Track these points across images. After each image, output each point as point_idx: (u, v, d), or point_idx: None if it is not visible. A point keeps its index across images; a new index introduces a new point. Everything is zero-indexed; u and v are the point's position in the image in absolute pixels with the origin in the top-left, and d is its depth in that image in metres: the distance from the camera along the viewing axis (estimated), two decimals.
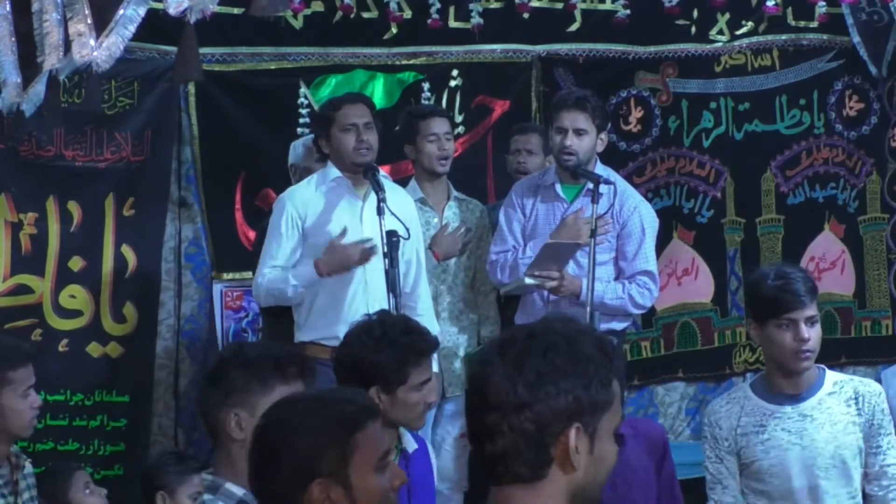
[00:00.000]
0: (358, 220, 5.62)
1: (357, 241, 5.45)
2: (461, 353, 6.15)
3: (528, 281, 5.66)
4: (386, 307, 5.12)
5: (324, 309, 5.58)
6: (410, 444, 3.99)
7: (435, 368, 4.98)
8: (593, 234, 5.55)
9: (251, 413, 2.98)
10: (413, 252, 5.65)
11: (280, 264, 5.54)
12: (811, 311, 4.09)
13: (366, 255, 5.43)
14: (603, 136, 5.76)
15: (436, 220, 6.14)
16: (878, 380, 6.64)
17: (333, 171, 5.63)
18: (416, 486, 3.93)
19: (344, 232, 5.47)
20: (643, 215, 5.76)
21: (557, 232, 5.71)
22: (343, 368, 3.86)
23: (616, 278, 5.76)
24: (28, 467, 4.26)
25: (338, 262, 5.43)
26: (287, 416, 2.51)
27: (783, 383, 4.20)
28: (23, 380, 4.08)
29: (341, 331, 5.45)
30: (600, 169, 5.79)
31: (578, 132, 5.66)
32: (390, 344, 3.78)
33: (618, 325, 5.74)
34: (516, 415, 2.12)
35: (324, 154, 5.66)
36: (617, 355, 2.20)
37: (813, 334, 4.09)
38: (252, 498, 2.88)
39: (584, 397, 2.13)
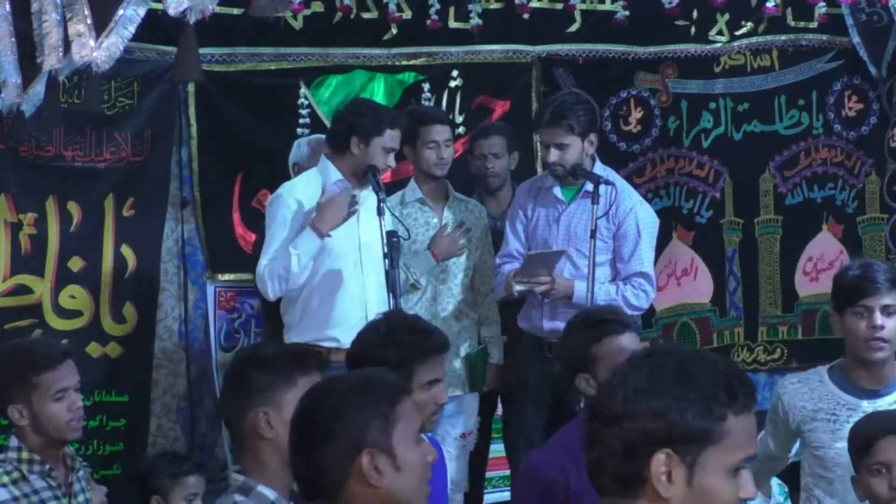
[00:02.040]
0: (355, 221, 5.65)
1: (339, 195, 5.50)
2: (461, 353, 6.15)
3: (518, 287, 5.69)
4: (384, 309, 5.12)
5: (315, 310, 5.60)
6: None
7: None
8: (593, 234, 5.58)
9: (279, 410, 3.05)
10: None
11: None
12: (888, 300, 4.12)
13: (352, 202, 5.52)
14: (592, 137, 5.75)
15: (435, 220, 6.16)
16: None
17: (335, 172, 5.65)
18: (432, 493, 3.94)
19: (324, 191, 5.52)
20: (639, 217, 5.77)
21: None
22: (352, 367, 3.86)
23: (612, 280, 5.77)
24: (82, 470, 4.25)
25: (334, 214, 5.46)
26: (330, 393, 2.61)
27: (861, 376, 4.19)
28: (51, 383, 4.00)
29: (332, 333, 5.53)
30: (599, 169, 5.80)
31: (560, 146, 5.69)
32: (396, 342, 3.77)
33: None
34: (608, 427, 2.10)
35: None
36: (749, 392, 2.11)
37: (890, 324, 4.11)
38: (281, 499, 2.98)
39: (678, 423, 2.07)
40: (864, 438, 3.78)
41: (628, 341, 4.12)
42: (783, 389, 4.31)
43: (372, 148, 5.61)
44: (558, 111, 5.74)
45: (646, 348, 2.23)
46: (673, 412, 2.06)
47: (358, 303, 5.56)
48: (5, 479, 3.99)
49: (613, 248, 5.77)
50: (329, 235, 5.51)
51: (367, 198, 5.69)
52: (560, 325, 5.67)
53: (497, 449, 6.61)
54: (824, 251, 7.62)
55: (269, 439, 3.05)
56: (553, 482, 4.02)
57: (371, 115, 5.67)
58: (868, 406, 4.15)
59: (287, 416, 2.96)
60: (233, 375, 3.21)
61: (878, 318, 4.09)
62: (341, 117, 5.74)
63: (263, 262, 5.57)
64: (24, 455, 4.03)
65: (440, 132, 6.12)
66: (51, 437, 4.04)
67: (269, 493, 3.03)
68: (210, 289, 6.77)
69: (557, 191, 5.84)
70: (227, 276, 6.79)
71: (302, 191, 5.65)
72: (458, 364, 6.14)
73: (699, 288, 7.46)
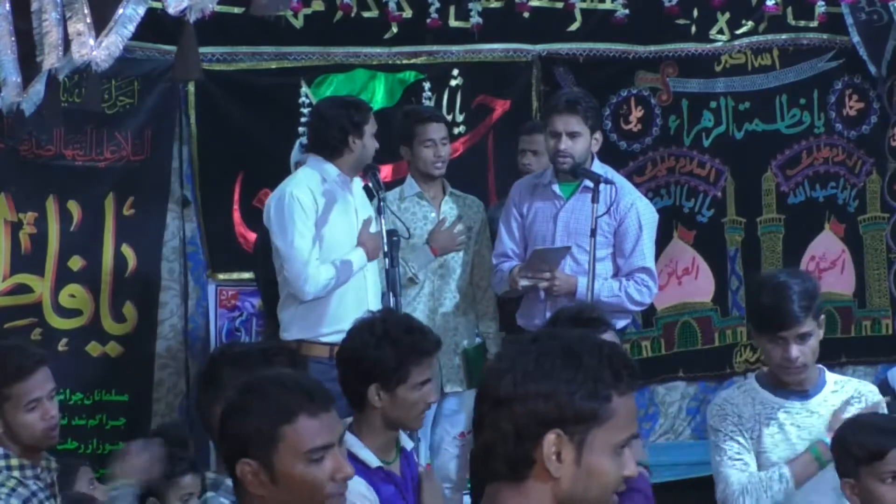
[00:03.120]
0: (353, 215, 5.69)
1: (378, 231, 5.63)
2: (460, 349, 6.15)
3: (523, 282, 5.69)
4: (380, 308, 5.14)
5: (309, 308, 5.60)
6: (408, 443, 4.00)
7: None
8: (593, 233, 5.57)
9: None
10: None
11: (317, 257, 5.57)
12: (805, 327, 4.04)
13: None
14: (598, 135, 5.76)
15: (433, 214, 6.15)
16: (883, 379, 6.66)
17: (333, 169, 5.66)
18: (415, 482, 3.95)
19: (370, 219, 5.63)
20: (640, 212, 5.76)
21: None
22: (343, 365, 3.86)
23: (614, 275, 5.77)
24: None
25: (376, 247, 5.57)
26: (237, 395, 2.69)
27: (784, 382, 4.19)
28: (21, 395, 3.94)
29: (325, 330, 5.54)
30: (598, 167, 5.80)
31: (572, 135, 5.68)
32: (392, 342, 3.78)
33: (617, 323, 5.73)
34: (497, 410, 2.12)
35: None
36: (633, 373, 2.14)
37: (806, 350, 4.06)
38: None
39: (567, 404, 2.09)
40: (874, 446, 3.75)
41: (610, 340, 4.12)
42: (733, 402, 4.23)
43: (366, 138, 5.66)
44: (574, 100, 5.76)
45: (530, 333, 2.24)
46: (562, 393, 2.09)
47: (356, 300, 5.56)
48: (10, 484, 3.96)
49: (614, 243, 5.76)
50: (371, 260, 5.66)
51: (360, 191, 5.72)
52: None
53: None
54: (826, 250, 7.62)
55: None
56: None
57: (353, 109, 5.72)
58: (801, 407, 4.16)
59: None
60: (206, 372, 3.23)
61: (794, 350, 4.04)
62: (326, 122, 5.71)
63: (310, 261, 5.52)
64: (14, 462, 3.98)
65: (437, 130, 6.12)
66: (26, 445, 3.99)
67: None
68: (211, 287, 6.78)
69: (556, 187, 5.84)
70: (227, 275, 6.79)
71: (308, 187, 5.66)
72: (456, 360, 6.14)
73: (700, 287, 7.45)
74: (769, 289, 4.07)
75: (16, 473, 3.98)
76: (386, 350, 3.77)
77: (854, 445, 3.83)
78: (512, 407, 2.10)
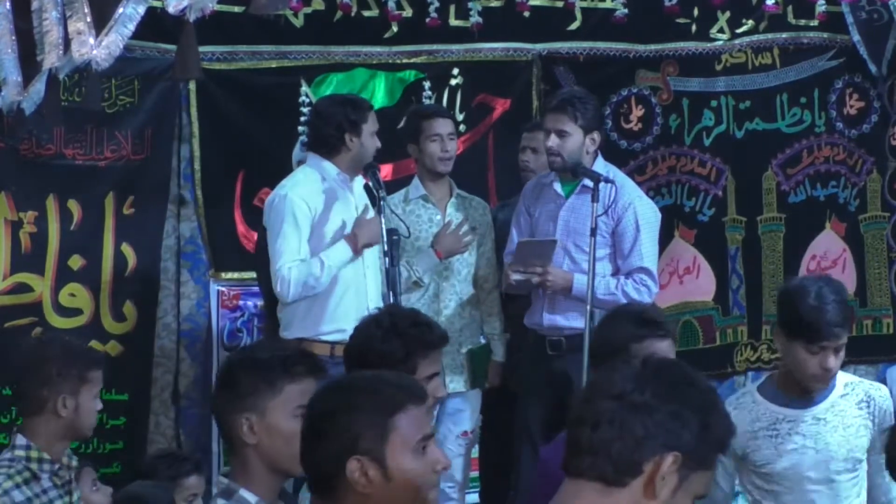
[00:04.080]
0: (354, 214, 5.69)
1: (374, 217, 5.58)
2: (464, 349, 6.15)
3: (515, 277, 5.69)
4: (380, 307, 5.13)
5: (309, 307, 5.61)
6: None
7: None
8: (593, 232, 5.57)
9: (262, 416, 3.02)
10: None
11: (302, 258, 5.57)
12: (843, 340, 4.05)
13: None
14: (595, 135, 5.75)
15: (438, 216, 6.16)
16: (882, 379, 6.66)
17: (333, 168, 5.66)
18: None
19: (366, 209, 5.59)
20: (638, 212, 5.75)
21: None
22: (351, 359, 3.85)
23: (613, 275, 5.77)
24: (83, 469, 4.34)
25: (371, 232, 5.53)
26: (334, 394, 2.63)
27: (795, 389, 4.17)
28: (97, 381, 4.19)
29: (325, 328, 5.54)
30: (600, 166, 5.79)
31: (560, 133, 5.70)
32: (399, 335, 3.77)
33: None
34: (633, 412, 2.14)
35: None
36: (732, 436, 2.22)
37: (840, 359, 4.08)
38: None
39: (697, 442, 2.14)
40: None
41: (667, 348, 4.13)
42: None
43: (364, 136, 5.66)
44: (566, 99, 5.81)
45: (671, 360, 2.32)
46: (698, 429, 2.16)
47: (357, 299, 5.56)
48: (18, 479, 4.03)
49: (612, 243, 5.76)
50: (361, 252, 5.58)
51: (361, 190, 5.71)
52: (559, 319, 5.72)
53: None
54: (827, 249, 7.61)
55: (252, 445, 3.03)
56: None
57: (350, 107, 5.73)
58: (806, 415, 4.16)
59: (271, 423, 2.99)
60: (223, 376, 3.19)
61: (832, 361, 4.05)
62: (323, 121, 5.73)
63: (286, 263, 5.55)
64: (34, 454, 4.08)
65: (443, 125, 6.13)
66: (78, 432, 4.18)
67: (251, 498, 3.00)
68: (213, 287, 6.77)
69: (557, 186, 5.86)
70: (229, 275, 6.79)
71: (305, 188, 5.66)
72: (461, 360, 6.13)
73: (702, 286, 7.45)
74: (814, 297, 4.02)
75: (33, 466, 4.07)
76: (393, 343, 3.76)
77: None
78: (653, 415, 2.13)
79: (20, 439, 4.11)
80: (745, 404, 4.24)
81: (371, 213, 5.60)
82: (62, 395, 4.09)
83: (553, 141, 5.71)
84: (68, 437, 4.18)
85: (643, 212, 5.78)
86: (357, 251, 5.57)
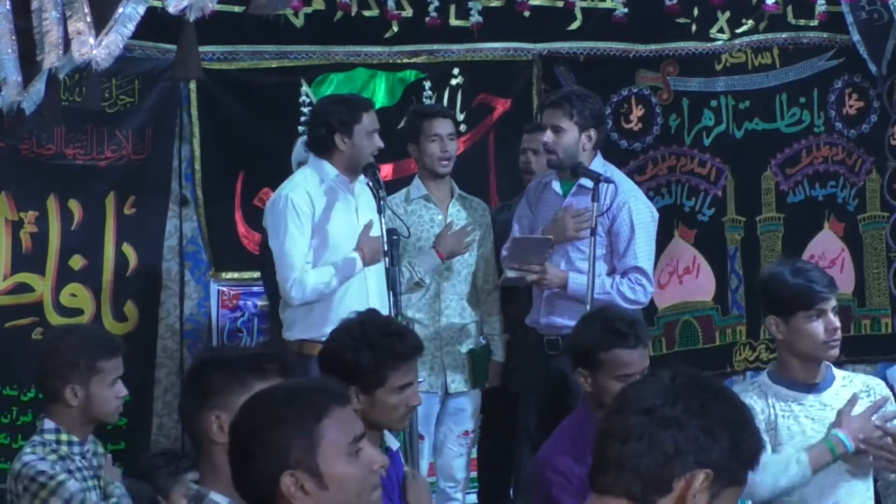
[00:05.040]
0: (354, 216, 5.69)
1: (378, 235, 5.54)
2: (463, 349, 6.15)
3: (510, 274, 5.73)
4: (385, 306, 5.13)
5: (311, 307, 5.60)
6: (393, 443, 3.98)
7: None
8: (593, 231, 5.58)
9: (231, 414, 2.89)
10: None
11: (309, 259, 5.58)
12: (834, 301, 4.19)
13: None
14: (591, 133, 5.74)
15: (440, 217, 6.15)
16: (882, 378, 6.67)
17: (332, 169, 5.66)
18: (396, 484, 3.94)
19: (370, 224, 5.56)
20: (633, 211, 5.74)
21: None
22: (325, 366, 3.85)
23: (609, 274, 5.77)
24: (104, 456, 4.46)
25: (377, 252, 5.50)
26: (255, 410, 2.53)
27: (802, 374, 4.24)
28: (111, 370, 4.27)
29: (328, 330, 5.50)
30: (599, 165, 5.78)
31: (555, 129, 5.71)
32: (369, 345, 3.76)
33: None
34: (663, 427, 2.08)
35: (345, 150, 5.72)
36: (762, 452, 2.19)
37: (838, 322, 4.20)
38: None
39: (728, 459, 2.10)
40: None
41: (637, 357, 4.15)
42: (749, 397, 4.21)
43: (356, 137, 5.64)
44: (563, 95, 5.86)
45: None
46: (730, 448, 2.11)
47: (359, 300, 5.56)
48: (52, 456, 4.19)
49: (608, 243, 5.76)
50: (367, 265, 5.63)
51: (364, 192, 5.70)
52: (557, 319, 5.72)
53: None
54: (826, 249, 7.61)
55: (222, 444, 2.92)
56: (569, 472, 4.04)
57: (343, 107, 5.71)
58: (814, 400, 4.23)
59: None
60: (190, 377, 3.16)
61: (835, 320, 4.17)
62: (317, 121, 5.76)
63: (299, 267, 5.55)
64: (64, 437, 4.25)
65: (443, 125, 6.11)
66: (96, 420, 4.31)
67: (222, 500, 2.94)
68: (213, 287, 6.77)
69: (556, 185, 5.87)
70: (230, 275, 6.79)
71: (305, 189, 5.66)
72: (463, 361, 6.14)
73: (701, 286, 7.45)
74: (792, 271, 4.20)
75: (64, 448, 4.24)
76: (363, 353, 3.74)
77: None
78: (682, 430, 2.08)
79: (48, 423, 4.27)
80: (761, 388, 4.28)
81: (376, 228, 5.54)
82: (71, 384, 4.22)
83: (548, 136, 5.73)
84: (88, 422, 4.31)
85: (638, 211, 5.77)
86: (366, 264, 5.61)
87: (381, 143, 5.72)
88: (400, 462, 4.03)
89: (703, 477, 2.07)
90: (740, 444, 2.11)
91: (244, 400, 2.81)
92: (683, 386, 2.13)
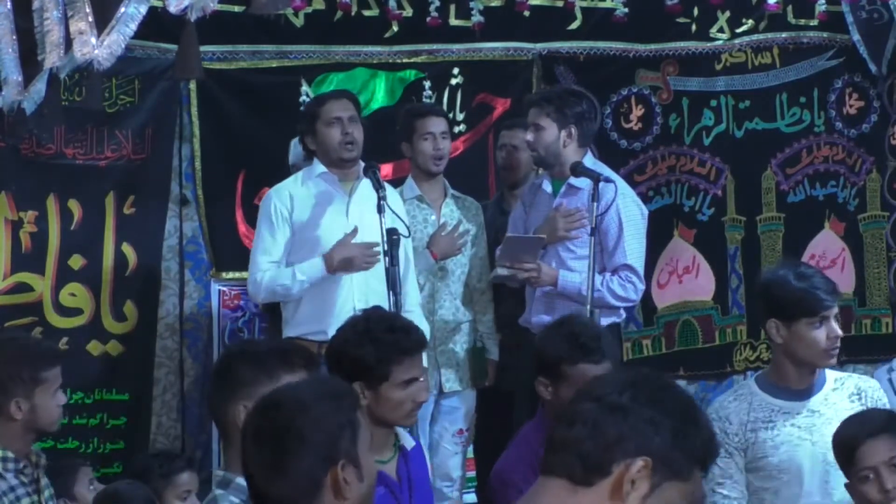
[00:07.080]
0: (344, 215, 5.67)
1: (364, 243, 5.49)
2: (457, 348, 6.15)
3: (502, 272, 5.75)
4: (380, 305, 5.13)
5: (311, 304, 5.60)
6: (408, 442, 3.98)
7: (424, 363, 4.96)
8: (593, 231, 5.57)
9: None
10: (402, 249, 5.63)
11: (275, 259, 5.59)
12: (836, 308, 4.18)
13: (369, 260, 5.47)
14: (571, 129, 5.73)
15: (433, 217, 6.15)
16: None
17: (319, 167, 5.67)
18: (416, 483, 3.93)
19: (354, 231, 5.53)
20: (620, 210, 5.71)
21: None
22: (330, 362, 3.87)
23: (600, 272, 5.76)
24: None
25: (348, 260, 5.47)
26: (297, 401, 2.49)
27: (793, 380, 4.22)
28: (53, 380, 4.18)
29: (328, 326, 5.54)
30: (589, 163, 5.76)
31: (535, 127, 5.74)
32: (372, 340, 3.77)
33: (604, 320, 5.69)
34: (609, 413, 2.13)
35: (310, 151, 5.73)
36: (712, 452, 2.22)
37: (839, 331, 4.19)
38: None
39: (669, 449, 2.12)
40: (845, 447, 3.81)
41: (601, 372, 4.13)
42: (725, 411, 4.26)
43: (320, 135, 5.65)
44: (542, 94, 5.92)
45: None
46: (673, 438, 2.14)
47: (353, 299, 5.56)
48: None
49: (598, 241, 5.74)
50: (335, 273, 5.54)
51: (359, 190, 5.69)
52: (547, 319, 5.70)
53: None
54: (826, 249, 7.62)
55: None
56: (524, 482, 4.02)
57: (307, 108, 5.81)
58: (801, 407, 4.21)
59: None
60: (219, 369, 3.22)
61: (837, 328, 4.15)
62: (298, 127, 5.79)
63: (262, 267, 5.59)
64: None
65: (436, 123, 6.12)
66: (39, 431, 4.19)
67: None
68: (214, 287, 6.77)
69: (546, 185, 5.88)
70: (230, 275, 6.79)
71: (287, 189, 5.68)
72: (456, 359, 6.14)
73: (701, 286, 7.45)
74: (796, 276, 4.16)
75: None
76: (366, 348, 3.76)
77: (833, 449, 3.87)
78: (627, 419, 2.12)
79: None
80: (744, 395, 4.28)
81: (370, 234, 5.50)
82: (15, 398, 4.10)
83: (529, 135, 5.78)
84: (30, 435, 4.19)
85: (627, 209, 5.75)
86: (331, 271, 5.53)
87: (358, 134, 5.65)
88: (418, 461, 4.01)
89: (641, 464, 2.10)
90: (684, 435, 2.13)
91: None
92: (636, 378, 2.18)
